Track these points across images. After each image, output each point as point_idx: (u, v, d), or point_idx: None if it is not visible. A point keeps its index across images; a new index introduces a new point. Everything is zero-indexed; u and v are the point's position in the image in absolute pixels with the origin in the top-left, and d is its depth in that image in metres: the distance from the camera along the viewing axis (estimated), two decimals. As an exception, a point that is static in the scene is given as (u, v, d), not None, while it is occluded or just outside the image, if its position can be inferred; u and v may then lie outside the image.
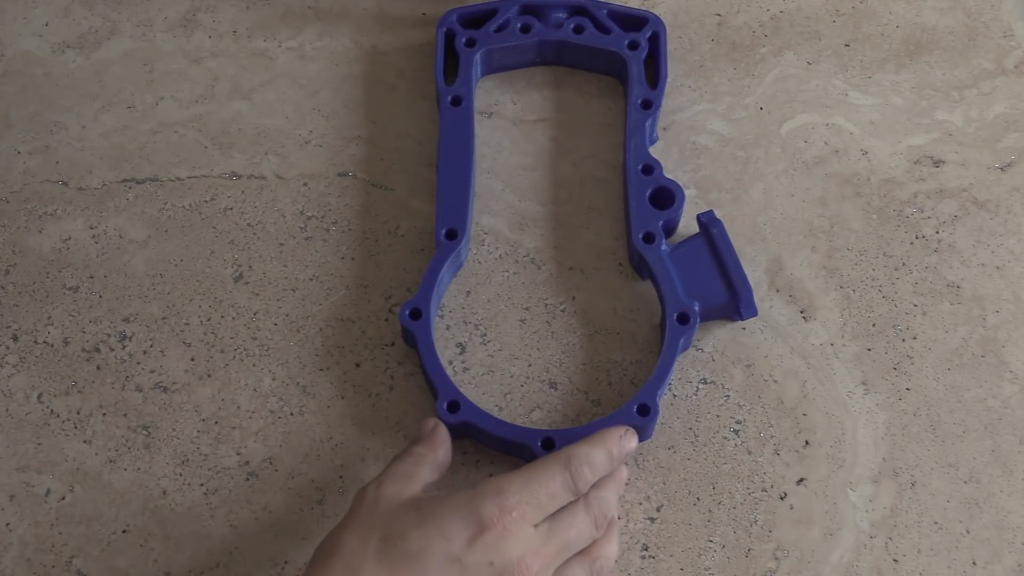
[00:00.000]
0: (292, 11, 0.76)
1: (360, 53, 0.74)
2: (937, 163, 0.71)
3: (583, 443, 0.58)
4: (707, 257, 0.65)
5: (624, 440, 0.59)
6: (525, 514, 0.54)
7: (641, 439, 0.63)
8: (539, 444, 0.61)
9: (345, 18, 0.76)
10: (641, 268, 0.67)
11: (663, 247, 0.65)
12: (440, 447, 0.60)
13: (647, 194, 0.67)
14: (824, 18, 0.75)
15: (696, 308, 0.63)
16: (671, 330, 0.63)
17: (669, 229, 0.67)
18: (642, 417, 0.61)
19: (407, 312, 0.64)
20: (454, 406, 0.62)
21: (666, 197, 0.67)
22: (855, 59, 0.74)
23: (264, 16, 0.76)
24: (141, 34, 0.75)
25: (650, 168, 0.67)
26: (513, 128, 0.72)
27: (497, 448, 0.63)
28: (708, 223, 0.65)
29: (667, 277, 0.64)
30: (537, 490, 0.55)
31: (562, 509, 0.56)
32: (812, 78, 0.73)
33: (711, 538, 0.61)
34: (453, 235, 0.66)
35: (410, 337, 0.64)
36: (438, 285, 0.65)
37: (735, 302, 0.64)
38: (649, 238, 0.65)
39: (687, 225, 0.68)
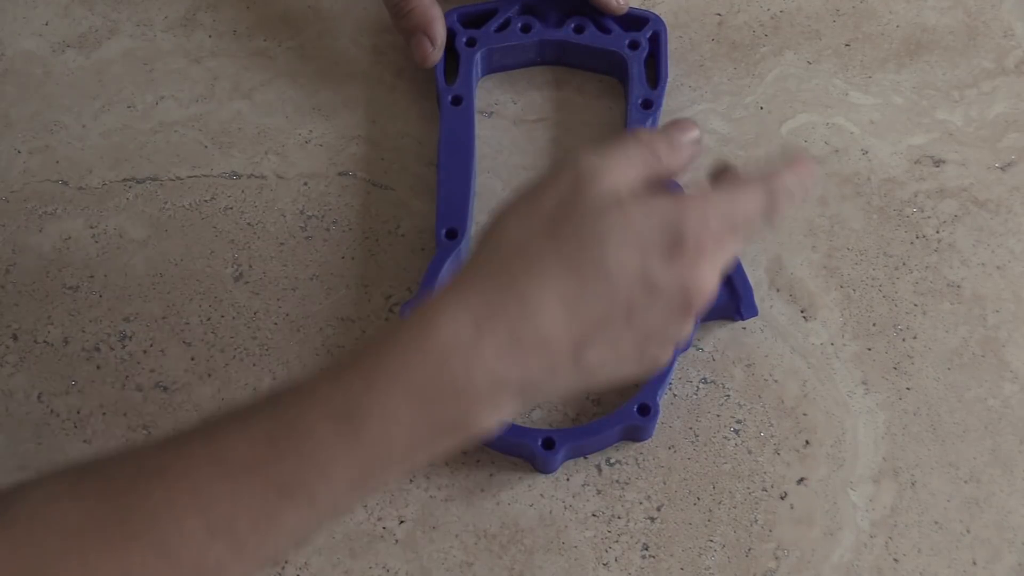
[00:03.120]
0: (292, 11, 0.76)
1: (360, 53, 0.74)
2: (937, 163, 0.71)
3: (782, 173, 0.52)
4: None
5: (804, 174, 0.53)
6: (723, 236, 0.49)
7: (641, 439, 0.63)
8: (539, 444, 0.61)
9: (345, 18, 0.76)
10: None
11: None
12: (678, 160, 0.51)
13: None
14: (824, 18, 0.75)
15: None
16: None
17: None
18: (642, 417, 0.61)
19: (407, 311, 0.63)
20: None
21: None
22: (855, 59, 0.74)
23: (264, 16, 0.76)
24: (141, 34, 0.75)
25: None
26: (513, 128, 0.72)
27: (497, 448, 0.63)
28: None
29: None
30: (739, 210, 0.49)
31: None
32: (812, 78, 0.73)
33: (711, 538, 0.61)
34: (454, 234, 0.66)
35: None
36: (438, 285, 0.65)
37: (735, 302, 0.64)
38: None
39: (687, 225, 0.68)
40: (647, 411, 0.61)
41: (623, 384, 0.57)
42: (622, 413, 0.61)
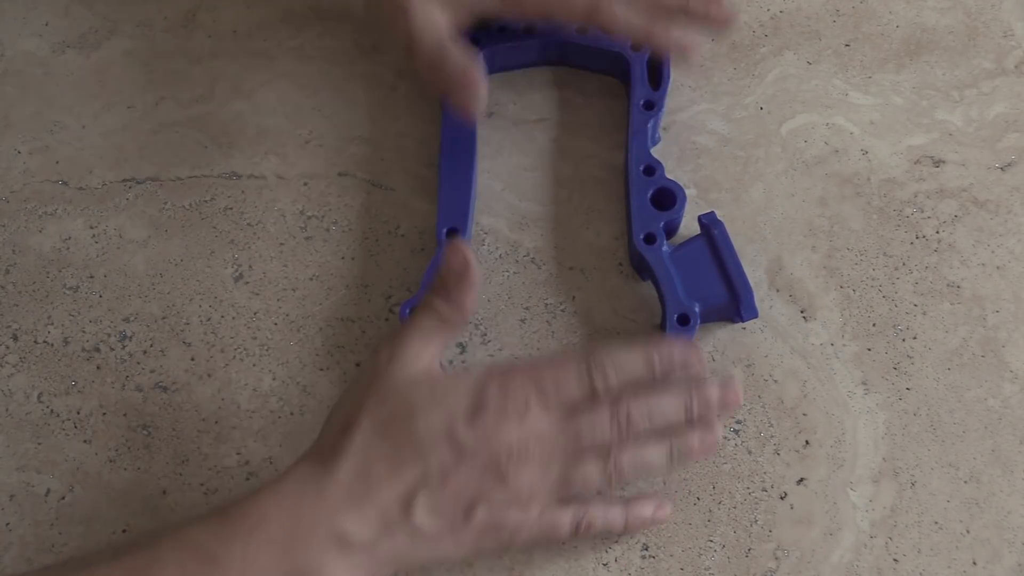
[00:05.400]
0: (292, 11, 0.76)
1: (360, 53, 0.74)
2: (937, 163, 0.71)
3: (613, 349, 0.58)
4: (708, 258, 0.65)
5: (678, 351, 0.58)
6: (529, 396, 0.54)
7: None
8: None
9: (345, 18, 0.76)
10: (641, 269, 0.67)
11: (664, 248, 0.65)
12: (466, 300, 0.57)
13: (648, 195, 0.67)
14: (824, 18, 0.75)
15: (696, 309, 0.63)
16: (671, 331, 0.63)
17: (670, 230, 0.67)
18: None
19: (407, 311, 0.64)
20: None
21: (667, 198, 0.67)
22: (855, 59, 0.74)
23: (264, 16, 0.76)
24: (141, 34, 0.75)
25: (652, 169, 0.67)
26: (513, 128, 0.72)
27: None
28: (709, 224, 0.65)
29: (668, 278, 0.64)
30: (544, 374, 0.55)
31: (583, 409, 0.56)
32: (812, 78, 0.73)
33: (711, 538, 0.61)
34: (454, 234, 0.66)
35: None
36: None
37: (735, 304, 0.64)
38: (650, 239, 0.65)
39: (687, 227, 0.68)
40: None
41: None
42: None
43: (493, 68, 0.73)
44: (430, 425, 0.54)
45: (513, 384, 0.55)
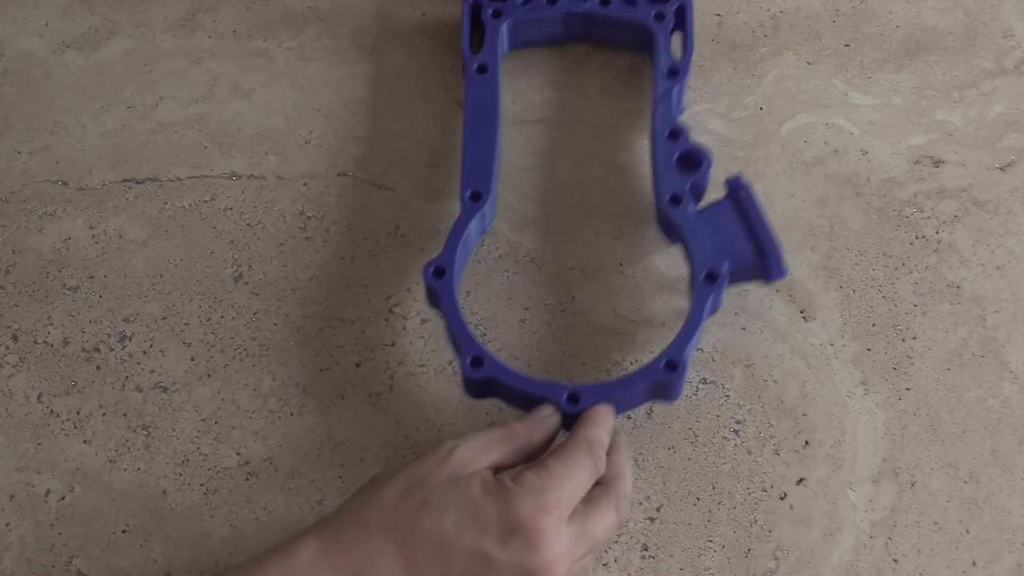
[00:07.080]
0: (292, 11, 0.76)
1: (360, 53, 0.75)
2: (937, 163, 0.71)
3: (591, 424, 0.58)
4: (734, 220, 0.63)
5: (611, 413, 0.60)
6: (562, 513, 0.54)
7: (669, 398, 0.62)
8: (565, 399, 0.59)
9: (345, 18, 0.76)
10: (669, 232, 0.65)
11: (691, 209, 0.65)
12: (539, 433, 0.58)
13: (674, 158, 0.66)
14: (824, 18, 0.75)
15: (724, 268, 0.62)
16: (699, 290, 0.61)
17: (697, 193, 0.66)
18: (670, 373, 0.60)
19: (431, 271, 0.62)
20: (477, 362, 0.60)
21: (693, 161, 0.66)
22: (855, 59, 0.74)
23: (264, 16, 0.76)
24: (141, 34, 0.75)
25: (677, 134, 0.66)
26: (513, 128, 0.72)
27: (521, 406, 0.61)
28: (736, 187, 0.64)
29: (695, 237, 0.63)
30: (572, 484, 0.55)
31: (591, 503, 0.56)
32: (812, 78, 0.73)
33: (711, 538, 0.61)
34: (478, 197, 0.65)
35: (434, 296, 0.63)
36: (463, 245, 0.63)
37: (764, 263, 0.62)
38: (676, 200, 0.64)
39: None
40: (675, 367, 0.60)
41: None
42: (649, 369, 0.60)
43: (517, 42, 0.72)
44: (459, 532, 0.53)
45: (548, 502, 0.54)
